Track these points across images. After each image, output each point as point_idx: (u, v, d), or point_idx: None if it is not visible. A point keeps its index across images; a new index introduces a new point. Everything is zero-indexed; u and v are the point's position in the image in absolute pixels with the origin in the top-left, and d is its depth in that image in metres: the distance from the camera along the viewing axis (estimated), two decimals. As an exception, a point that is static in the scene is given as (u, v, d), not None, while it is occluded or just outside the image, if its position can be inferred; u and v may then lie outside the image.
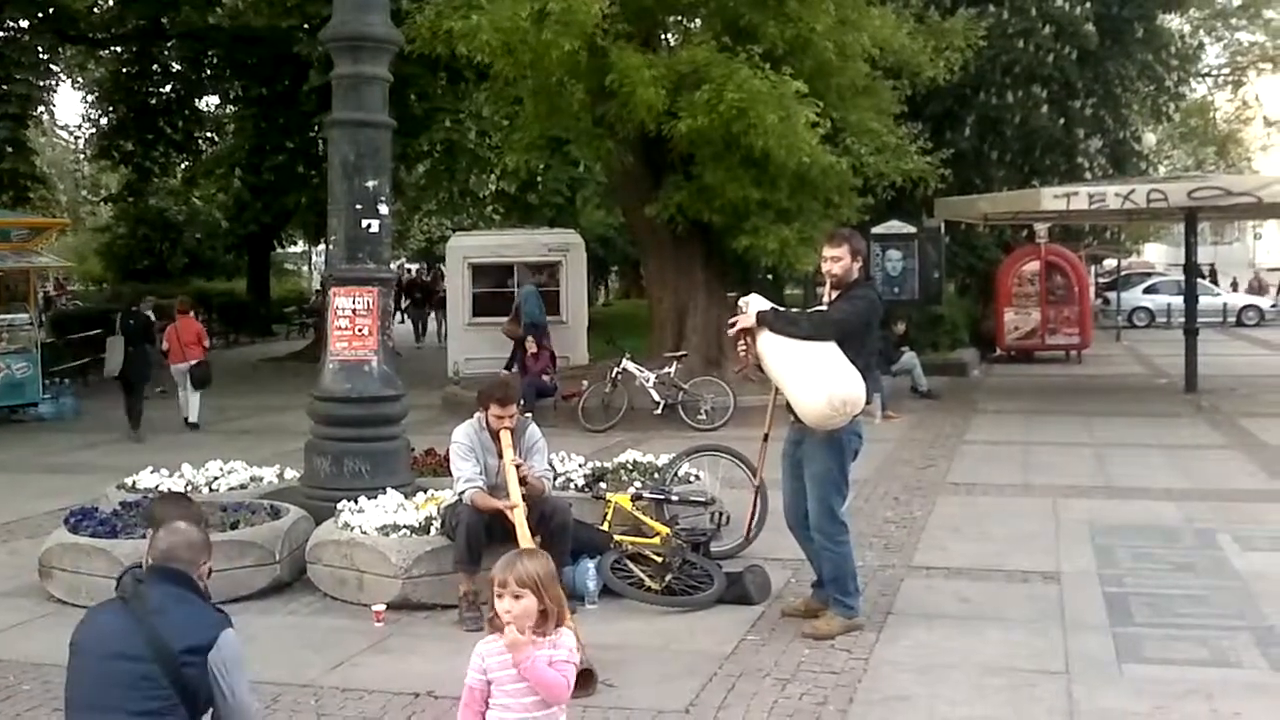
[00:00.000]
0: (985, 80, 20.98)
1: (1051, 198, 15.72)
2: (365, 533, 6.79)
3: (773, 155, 13.20)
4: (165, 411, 15.09)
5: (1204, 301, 21.67)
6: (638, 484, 7.86)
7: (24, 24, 22.74)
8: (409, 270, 46.91)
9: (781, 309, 6.29)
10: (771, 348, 6.09)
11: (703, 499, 7.65)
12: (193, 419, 14.85)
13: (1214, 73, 36.64)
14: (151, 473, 8.49)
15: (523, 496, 6.28)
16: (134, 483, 8.36)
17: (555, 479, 7.35)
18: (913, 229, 21.10)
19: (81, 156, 39.66)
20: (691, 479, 8.19)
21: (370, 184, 7.92)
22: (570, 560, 6.65)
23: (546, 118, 15.13)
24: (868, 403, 6.07)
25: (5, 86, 21.99)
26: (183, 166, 30.77)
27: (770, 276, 24.13)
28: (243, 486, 8.35)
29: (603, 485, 7.94)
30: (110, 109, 28.94)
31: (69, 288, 36.78)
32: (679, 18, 16.59)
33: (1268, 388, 17.50)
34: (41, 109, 27.16)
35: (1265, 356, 23.42)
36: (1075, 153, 22.45)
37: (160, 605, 3.48)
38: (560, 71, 13.72)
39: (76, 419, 16.23)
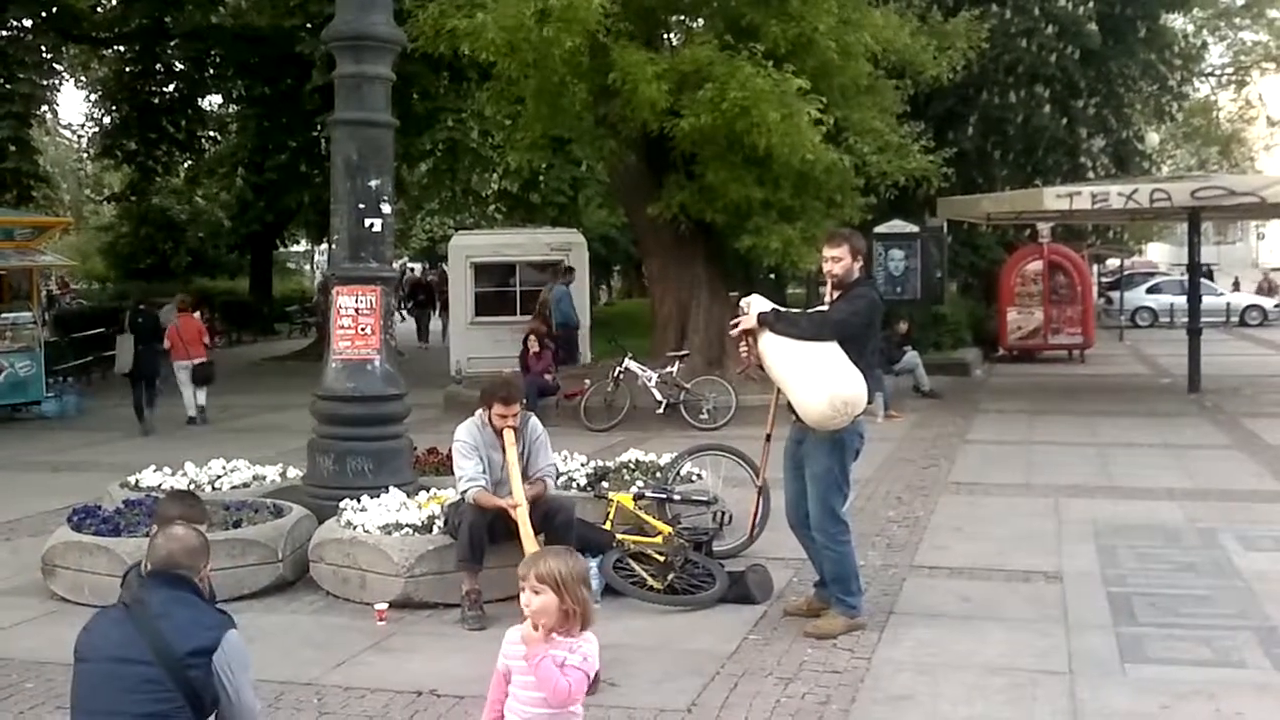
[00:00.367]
0: (988, 80, 20.98)
1: (1054, 197, 15.71)
2: (368, 531, 6.79)
3: (776, 154, 13.20)
4: (168, 409, 15.11)
5: (1207, 301, 21.66)
6: (640, 483, 7.86)
7: (27, 23, 22.77)
8: (412, 269, 46.92)
9: (782, 310, 6.28)
10: (773, 348, 6.09)
11: (705, 498, 7.64)
12: (191, 413, 15.15)
13: (1217, 72, 36.61)
14: (154, 471, 8.50)
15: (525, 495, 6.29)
16: (137, 481, 8.37)
17: (558, 477, 7.34)
18: (915, 228, 21.12)
19: (84, 155, 39.65)
20: (694, 478, 8.19)
21: (373, 183, 7.93)
22: (573, 559, 6.64)
23: (549, 117, 15.12)
24: (869, 402, 6.05)
25: (9, 85, 22.02)
26: (185, 165, 30.82)
27: (773, 276, 24.14)
28: (245, 485, 8.36)
29: (605, 484, 7.95)
30: (113, 108, 28.96)
31: (72, 286, 36.81)
32: (681, 17, 16.59)
33: (1271, 388, 17.48)
34: (45, 108, 27.18)
35: (1269, 356, 23.39)
36: (1078, 152, 22.46)
37: (163, 609, 3.48)
38: (563, 71, 13.72)
39: (79, 417, 16.25)
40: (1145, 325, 31.96)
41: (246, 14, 22.21)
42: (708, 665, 5.54)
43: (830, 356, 5.91)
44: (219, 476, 8.46)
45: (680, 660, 5.62)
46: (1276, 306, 34.52)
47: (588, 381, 14.68)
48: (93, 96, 31.35)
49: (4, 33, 22.65)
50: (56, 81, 26.78)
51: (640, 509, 7.40)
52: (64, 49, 25.43)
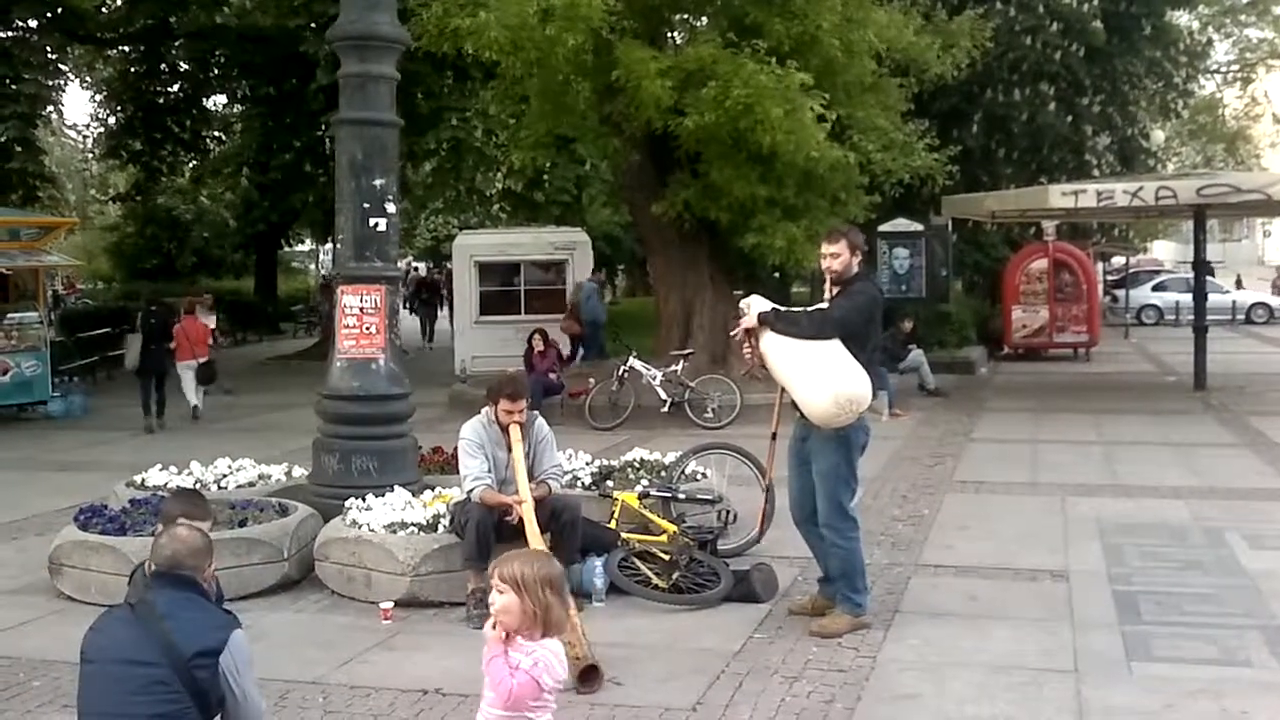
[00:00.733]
0: (993, 78, 20.97)
1: (1059, 195, 15.68)
2: (373, 530, 6.80)
3: (780, 151, 13.20)
4: (171, 408, 15.17)
5: (1213, 299, 21.59)
6: (645, 482, 7.87)
7: (32, 24, 22.80)
8: (416, 268, 46.91)
9: (783, 309, 6.25)
10: (775, 348, 6.07)
11: (710, 497, 7.65)
12: (194, 401, 15.58)
13: (1223, 69, 36.52)
14: (160, 470, 8.51)
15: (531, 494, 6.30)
16: (143, 480, 8.39)
17: (564, 475, 7.35)
18: (920, 227, 21.12)
19: (90, 156, 39.73)
20: (698, 477, 8.20)
21: (377, 182, 7.94)
22: (578, 558, 6.65)
23: (553, 116, 15.14)
24: (873, 398, 6.04)
25: (14, 86, 22.04)
26: (190, 165, 30.85)
27: (777, 274, 24.12)
28: (251, 484, 8.38)
29: (610, 483, 7.95)
30: (118, 108, 28.99)
31: (78, 286, 36.88)
32: (685, 16, 16.60)
33: (1277, 386, 17.44)
34: (50, 108, 27.24)
35: (1274, 354, 23.34)
36: (1083, 150, 22.43)
37: (168, 610, 3.49)
38: (567, 69, 13.73)
39: (85, 417, 16.26)
40: (1151, 323, 31.91)
41: (251, 14, 22.23)
42: (713, 664, 5.54)
43: (833, 354, 5.90)
44: (225, 475, 8.48)
45: (685, 659, 5.62)
46: None
47: (592, 380, 14.69)
48: (98, 97, 31.38)
49: (9, 33, 22.68)
50: (62, 82, 26.83)
51: (645, 508, 7.40)
52: (69, 49, 25.47)
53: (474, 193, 28.83)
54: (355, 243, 7.96)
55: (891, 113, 15.59)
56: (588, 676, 5.22)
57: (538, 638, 3.38)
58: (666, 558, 6.85)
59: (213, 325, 19.69)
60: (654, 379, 14.22)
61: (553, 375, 14.93)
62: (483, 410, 6.71)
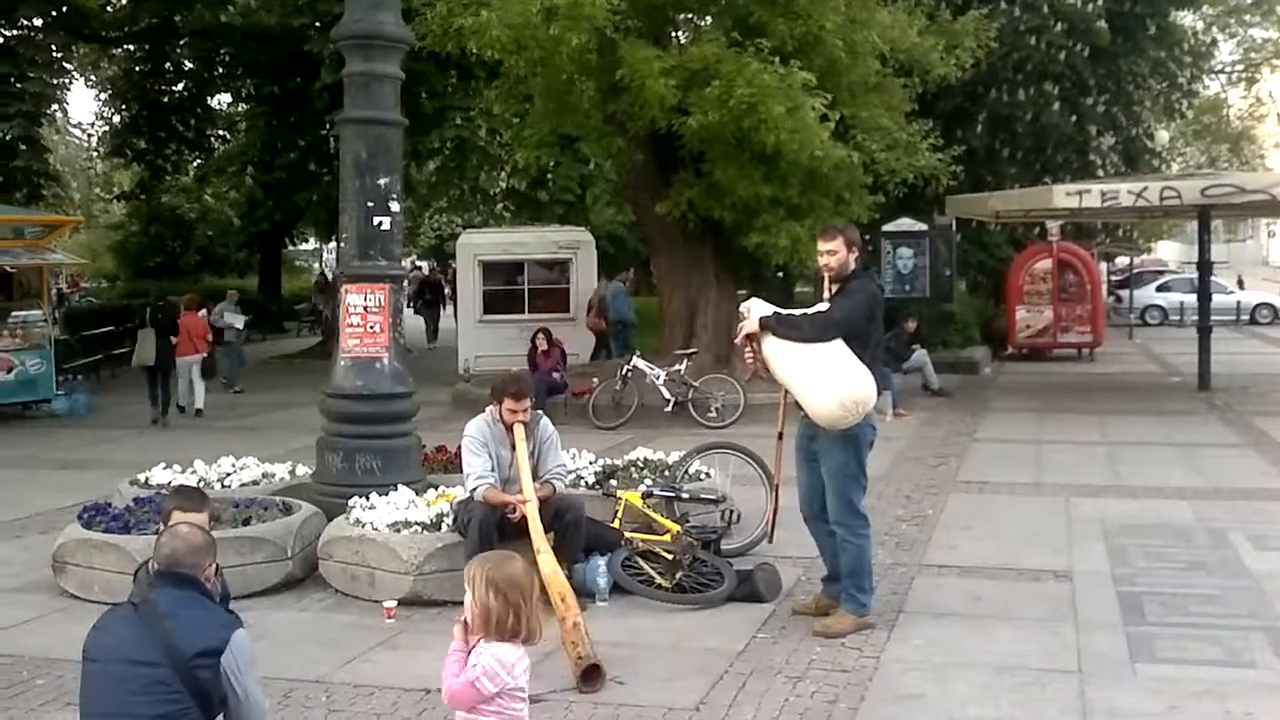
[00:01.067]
0: (997, 77, 20.95)
1: (1064, 195, 15.65)
2: (376, 529, 6.81)
3: (784, 151, 13.19)
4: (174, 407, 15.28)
5: (1217, 300, 21.56)
6: (648, 481, 7.86)
7: (38, 22, 22.82)
8: (419, 267, 46.87)
9: (783, 312, 6.21)
10: (777, 352, 6.05)
11: (713, 496, 7.64)
12: (200, 405, 15.84)
13: (1227, 69, 36.48)
14: (164, 469, 8.52)
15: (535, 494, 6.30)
16: (147, 478, 8.40)
17: (568, 474, 7.34)
18: (924, 226, 21.09)
19: (94, 154, 39.79)
20: (702, 476, 8.19)
21: (382, 181, 7.94)
22: (582, 557, 6.65)
23: (557, 115, 15.14)
24: (878, 395, 6.03)
25: (19, 85, 22.06)
26: (195, 164, 30.87)
27: (781, 274, 24.11)
28: (255, 483, 8.39)
29: (613, 483, 7.95)
30: (123, 107, 29.03)
31: (82, 284, 36.91)
32: (689, 15, 16.59)
33: (1281, 386, 17.43)
34: (55, 107, 27.22)
35: (1279, 355, 23.31)
36: (1087, 150, 22.41)
37: (170, 610, 3.49)
38: (571, 68, 13.73)
39: (89, 415, 16.29)
40: (1155, 323, 31.85)
41: (255, 13, 22.24)
42: (716, 664, 5.54)
43: (836, 356, 5.88)
44: (228, 474, 8.49)
45: (688, 658, 5.62)
46: None
47: (596, 380, 14.69)
48: (102, 95, 31.45)
49: (14, 32, 22.70)
50: (66, 80, 26.80)
51: (649, 507, 7.39)
52: (74, 48, 25.47)
53: (478, 192, 28.87)
54: (359, 241, 7.97)
55: (895, 112, 15.58)
56: (590, 676, 5.22)
57: (490, 640, 3.37)
58: (670, 557, 6.85)
59: (240, 325, 19.79)
60: (658, 378, 14.22)
61: (556, 374, 14.93)
62: (487, 409, 6.71)
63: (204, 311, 17.65)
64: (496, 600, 3.34)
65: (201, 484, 8.06)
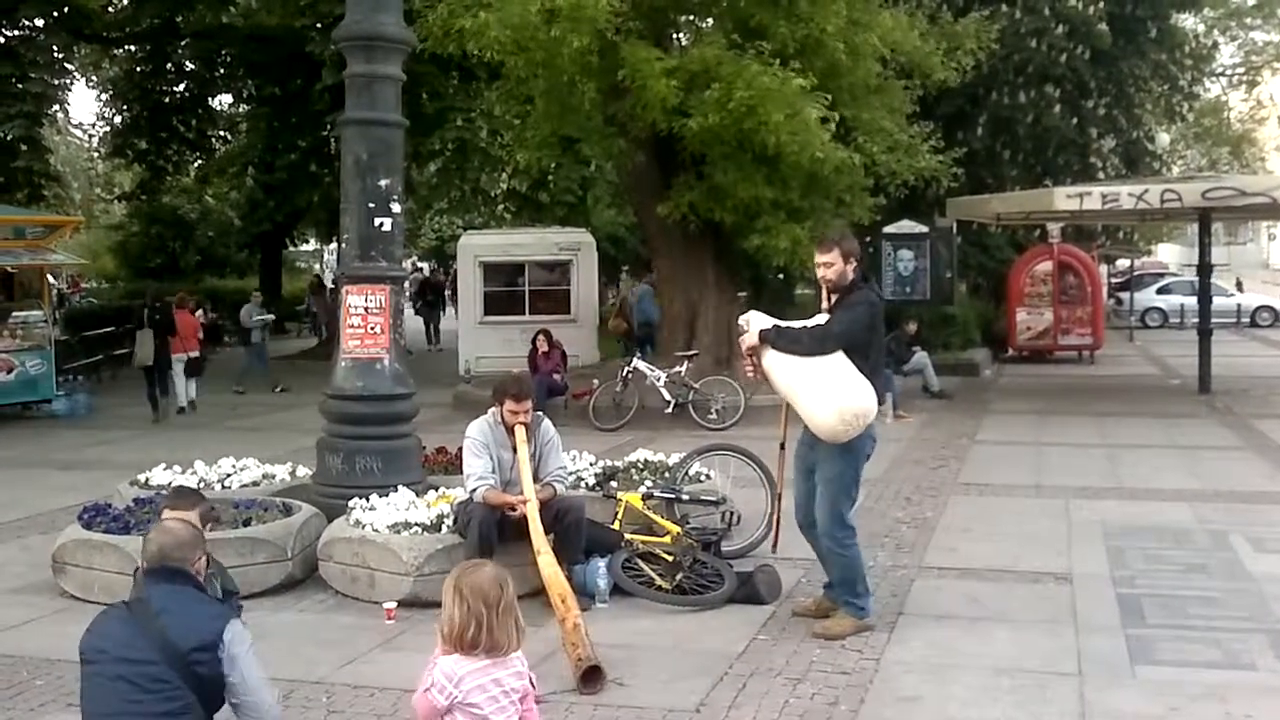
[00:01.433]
0: (998, 80, 20.96)
1: (1064, 197, 15.67)
2: (376, 530, 6.81)
3: (785, 153, 13.19)
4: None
5: (1217, 302, 21.55)
6: (649, 483, 7.86)
7: (39, 23, 22.82)
8: (420, 268, 46.86)
9: (783, 325, 6.18)
10: (777, 365, 6.04)
11: (714, 498, 7.65)
12: (182, 403, 16.12)
13: (1228, 72, 36.51)
14: (164, 469, 8.52)
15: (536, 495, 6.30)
16: (147, 479, 8.39)
17: (569, 476, 7.35)
18: (925, 229, 21.09)
19: (95, 155, 39.80)
20: (702, 478, 8.19)
21: (383, 183, 7.94)
22: (582, 558, 6.65)
23: (558, 116, 15.14)
24: (880, 405, 6.03)
25: (20, 85, 22.07)
26: (196, 165, 30.88)
27: (781, 275, 24.11)
28: (255, 484, 8.38)
29: (614, 484, 7.95)
30: (124, 107, 29.03)
31: (83, 285, 36.91)
32: (690, 17, 16.60)
33: (1281, 389, 17.43)
34: (56, 107, 27.22)
35: (1279, 357, 23.31)
36: (1088, 152, 22.41)
37: (163, 606, 3.51)
38: (572, 70, 13.73)
39: (90, 416, 16.30)
40: (1155, 326, 31.85)
41: (257, 14, 22.26)
42: (716, 665, 5.54)
43: (836, 369, 5.87)
44: (229, 475, 8.49)
45: (688, 660, 5.62)
46: None
47: (596, 381, 14.69)
48: (104, 96, 31.44)
49: (15, 32, 22.71)
50: (67, 81, 26.79)
51: (649, 509, 7.40)
52: (75, 48, 25.46)
53: (479, 193, 28.85)
54: (360, 242, 7.97)
55: (896, 115, 15.59)
56: (591, 677, 5.22)
57: (450, 650, 3.35)
58: (670, 559, 6.85)
59: (262, 324, 19.80)
60: (658, 380, 14.22)
61: (557, 376, 14.93)
62: (489, 411, 6.72)
63: (202, 311, 17.78)
64: (460, 609, 3.31)
65: (202, 485, 8.06)
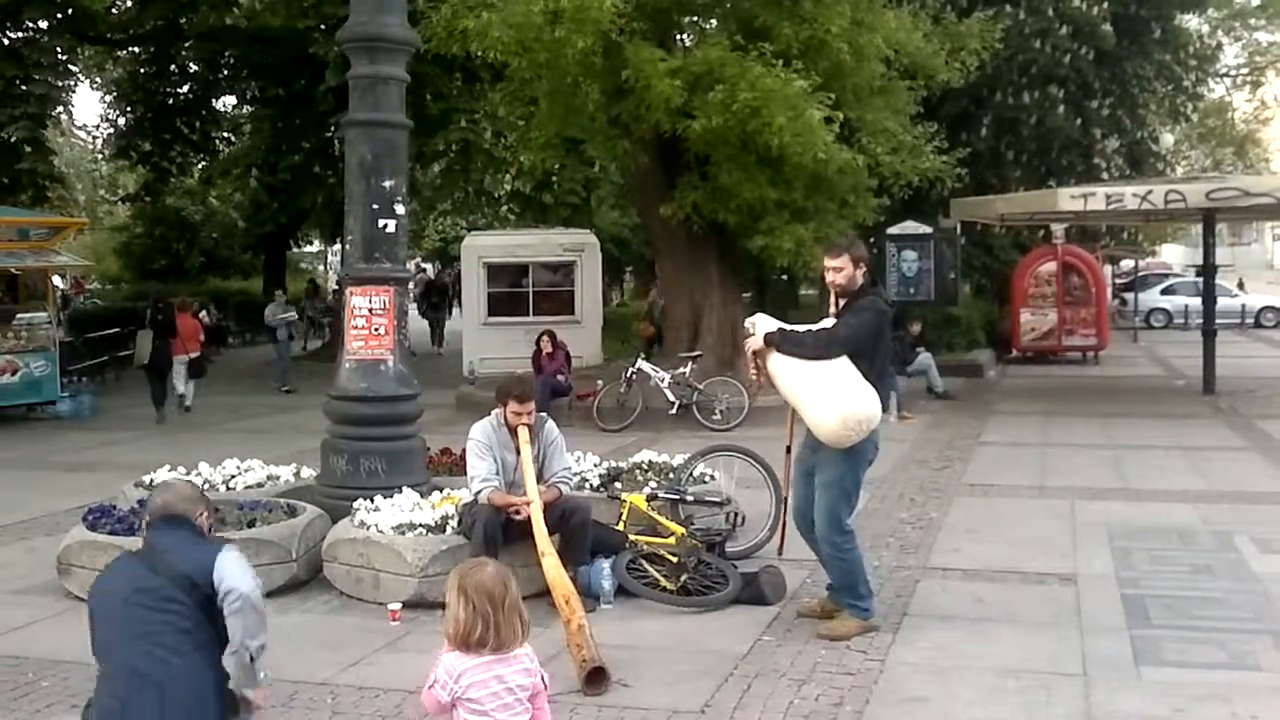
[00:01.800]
0: (1002, 80, 20.95)
1: (1068, 198, 15.65)
2: (381, 531, 6.81)
3: (788, 153, 13.19)
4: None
5: (1222, 303, 21.54)
6: (653, 484, 7.87)
7: (43, 24, 22.84)
8: (424, 269, 46.87)
9: (788, 329, 6.18)
10: (782, 369, 6.03)
11: (718, 499, 7.64)
12: (187, 400, 16.37)
13: (1232, 73, 36.47)
14: (169, 470, 8.52)
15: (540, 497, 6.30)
16: (151, 480, 8.38)
17: (574, 476, 7.34)
18: (929, 229, 21.09)
19: (99, 156, 39.83)
20: (707, 479, 8.18)
21: (387, 184, 7.94)
22: (587, 559, 6.65)
23: (562, 117, 15.16)
24: (884, 410, 6.02)
25: (24, 86, 22.08)
26: (200, 166, 30.89)
27: (785, 276, 24.12)
28: (259, 485, 8.39)
29: (618, 485, 7.95)
30: (128, 109, 29.04)
31: (87, 286, 36.94)
32: (694, 18, 16.61)
33: (1286, 389, 17.40)
34: (60, 109, 27.27)
35: (1284, 358, 23.30)
36: (1092, 153, 22.41)
37: (167, 546, 3.73)
38: (576, 71, 13.75)
39: (94, 417, 16.32)
40: (1160, 326, 31.82)
41: (261, 15, 22.24)
42: (721, 666, 5.54)
43: (840, 374, 5.86)
44: (233, 476, 8.49)
45: (693, 661, 5.62)
46: None
47: (600, 382, 14.69)
48: (108, 97, 31.45)
49: (20, 34, 22.73)
50: (72, 82, 26.83)
51: (653, 510, 7.39)
52: (79, 50, 25.49)
53: (482, 194, 28.85)
54: (364, 244, 7.97)
55: (900, 115, 15.60)
56: (595, 678, 5.22)
57: (455, 648, 3.37)
58: (674, 560, 6.85)
59: (289, 317, 19.83)
60: (662, 381, 14.22)
61: (561, 377, 14.93)
62: (492, 412, 6.71)
63: (206, 313, 17.91)
64: (465, 609, 3.33)
65: (206, 486, 8.07)
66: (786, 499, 7.02)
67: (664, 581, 6.66)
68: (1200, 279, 19.55)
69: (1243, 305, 32.57)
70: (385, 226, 7.95)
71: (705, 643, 5.92)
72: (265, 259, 32.23)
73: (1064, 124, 21.63)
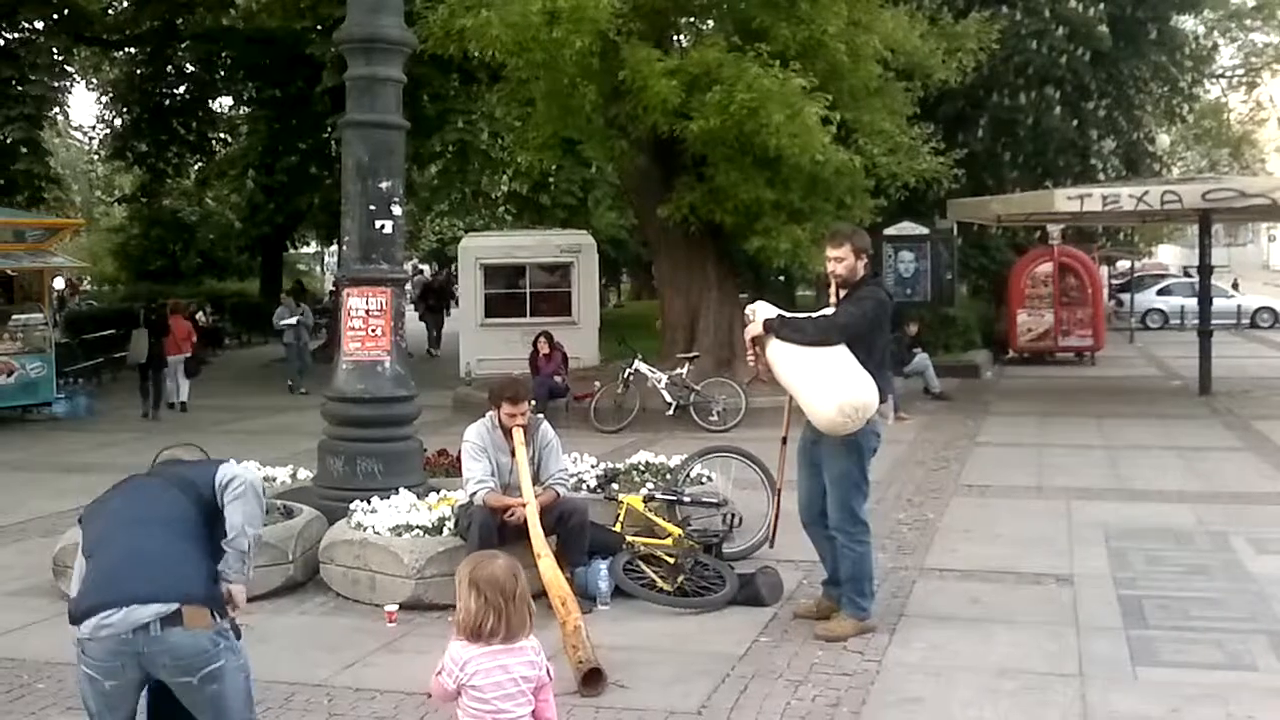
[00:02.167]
0: (998, 81, 20.96)
1: (1065, 199, 15.67)
2: (378, 533, 6.80)
3: (785, 155, 13.19)
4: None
5: (1218, 304, 21.55)
6: (650, 485, 7.86)
7: (39, 25, 22.85)
8: (421, 270, 46.83)
9: (788, 315, 6.18)
10: (780, 355, 6.02)
11: (715, 500, 7.64)
12: (181, 399, 16.82)
13: (1228, 74, 36.53)
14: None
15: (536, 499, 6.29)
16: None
17: (570, 478, 7.34)
18: (925, 230, 21.12)
19: (95, 157, 39.83)
20: (704, 480, 8.18)
21: (384, 185, 7.94)
22: (584, 560, 6.65)
23: (559, 118, 15.15)
24: (881, 403, 6.02)
25: (20, 87, 22.09)
26: (196, 167, 30.91)
27: (782, 278, 24.13)
28: (257, 487, 8.36)
29: (615, 486, 7.94)
30: (124, 110, 29.05)
31: (80, 288, 36.90)
32: (691, 19, 16.61)
33: (1282, 390, 17.43)
34: (56, 110, 27.25)
35: (1279, 359, 23.30)
36: (1089, 154, 22.42)
37: (169, 470, 3.98)
38: (573, 72, 13.74)
39: (90, 419, 16.31)
40: (1156, 327, 31.85)
41: (257, 16, 22.25)
42: (718, 667, 5.54)
43: (838, 361, 5.85)
44: (230, 478, 8.47)
45: (690, 662, 5.62)
46: None
47: (597, 383, 14.69)
48: (104, 98, 31.44)
49: (15, 34, 22.73)
50: (68, 83, 26.83)
51: (650, 511, 7.40)
52: (75, 51, 25.49)
53: (480, 195, 28.84)
54: (361, 245, 7.97)
55: (897, 116, 15.58)
56: (592, 680, 5.22)
57: (464, 638, 3.40)
58: (671, 561, 6.85)
59: (290, 321, 19.79)
60: (659, 382, 14.22)
61: (558, 378, 14.93)
62: (487, 414, 6.71)
63: (202, 314, 18.02)
64: (477, 601, 3.36)
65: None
66: (780, 491, 7.03)
67: (661, 582, 6.66)
68: (1196, 280, 19.53)
69: (1238, 306, 32.62)
70: (382, 228, 7.95)
71: (702, 644, 5.92)
72: (262, 260, 32.22)
73: (1060, 125, 21.65)
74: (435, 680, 3.42)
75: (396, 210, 8.04)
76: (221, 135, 30.95)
